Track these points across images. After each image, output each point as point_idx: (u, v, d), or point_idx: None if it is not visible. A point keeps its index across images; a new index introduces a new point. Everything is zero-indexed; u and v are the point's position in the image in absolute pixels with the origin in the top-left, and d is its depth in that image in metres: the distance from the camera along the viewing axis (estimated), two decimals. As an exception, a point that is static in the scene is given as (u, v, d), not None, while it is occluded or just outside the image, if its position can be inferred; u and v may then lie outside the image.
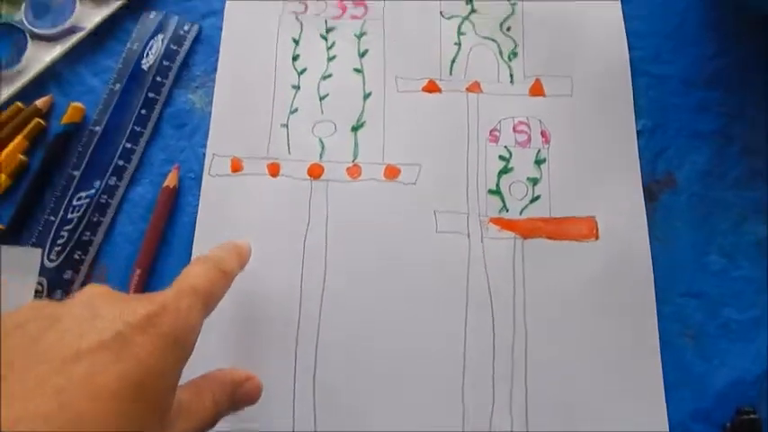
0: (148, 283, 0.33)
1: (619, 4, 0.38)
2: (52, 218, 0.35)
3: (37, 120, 0.36)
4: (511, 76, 0.37)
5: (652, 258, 0.32)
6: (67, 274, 0.34)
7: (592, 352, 0.31)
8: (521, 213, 0.33)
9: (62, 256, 0.34)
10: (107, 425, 0.16)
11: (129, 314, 0.19)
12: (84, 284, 0.34)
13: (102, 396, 0.16)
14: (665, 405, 0.30)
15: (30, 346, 0.17)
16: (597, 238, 0.33)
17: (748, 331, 0.31)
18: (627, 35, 0.37)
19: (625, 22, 0.37)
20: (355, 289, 0.32)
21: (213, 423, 0.22)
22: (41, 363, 0.16)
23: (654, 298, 0.31)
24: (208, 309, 0.23)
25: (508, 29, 0.38)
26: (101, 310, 0.19)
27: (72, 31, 0.38)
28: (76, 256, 0.34)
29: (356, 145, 0.35)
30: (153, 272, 0.34)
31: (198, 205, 0.35)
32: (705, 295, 0.32)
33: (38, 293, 0.34)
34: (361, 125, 0.36)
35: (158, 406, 0.18)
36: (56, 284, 0.34)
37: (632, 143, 0.34)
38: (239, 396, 0.24)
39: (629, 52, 0.36)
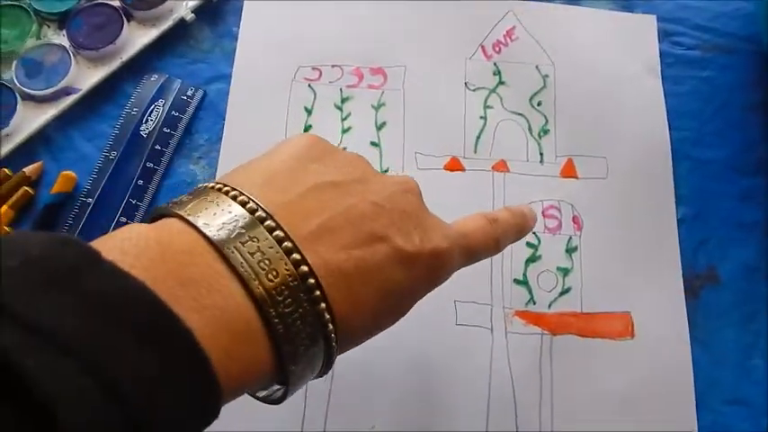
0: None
1: (659, 81, 0.46)
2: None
3: (25, 188, 0.44)
4: (541, 154, 0.44)
5: (692, 361, 0.38)
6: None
7: (627, 465, 0.37)
8: (549, 307, 0.40)
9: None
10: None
11: (429, 241, 0.27)
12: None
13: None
14: None
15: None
16: (632, 336, 0.39)
17: (800, 446, 0.37)
18: (667, 114, 0.45)
19: (665, 100, 0.46)
20: (365, 386, 0.39)
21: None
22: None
23: (694, 405, 0.37)
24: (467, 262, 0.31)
25: (539, 103, 0.46)
26: (422, 219, 0.28)
27: (66, 92, 0.47)
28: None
29: (371, 226, 0.43)
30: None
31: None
32: (750, 403, 0.38)
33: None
34: (377, 204, 0.43)
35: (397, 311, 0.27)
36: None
37: (672, 232, 0.42)
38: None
39: (670, 133, 0.44)
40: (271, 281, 0.21)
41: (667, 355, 0.39)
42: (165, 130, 0.46)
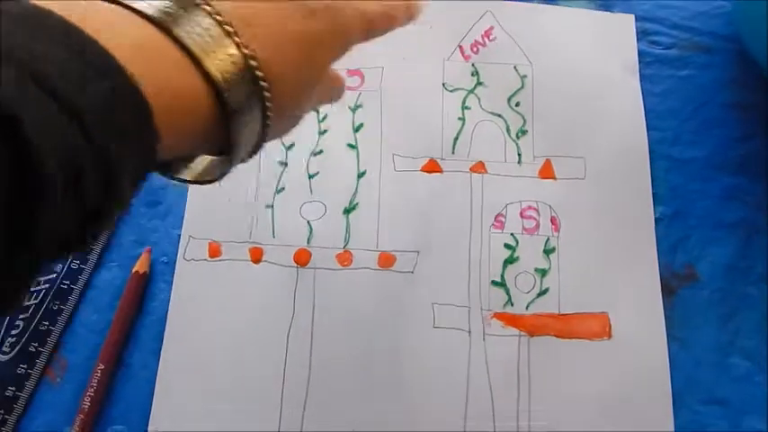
0: (113, 381, 0.41)
1: (637, 80, 0.47)
2: (8, 305, 0.43)
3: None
4: (519, 155, 0.45)
5: (669, 360, 0.39)
6: (21, 369, 0.41)
7: (605, 466, 0.38)
8: (527, 308, 0.41)
9: (16, 349, 0.42)
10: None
11: None
12: (40, 380, 0.41)
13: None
14: None
15: None
16: (610, 336, 0.40)
17: (779, 445, 0.38)
18: (645, 114, 0.46)
19: (644, 100, 0.46)
20: (342, 390, 0.39)
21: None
22: None
23: (671, 404, 0.38)
24: (365, 36, 0.32)
25: (517, 104, 0.47)
26: None
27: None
28: (32, 348, 0.42)
29: (348, 229, 0.44)
30: (119, 367, 0.41)
31: (171, 293, 0.42)
32: (727, 402, 0.38)
33: (-11, 389, 0.41)
34: (354, 207, 0.44)
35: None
36: (8, 380, 0.41)
37: (650, 232, 0.42)
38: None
39: (648, 133, 0.45)
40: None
41: (644, 354, 0.39)
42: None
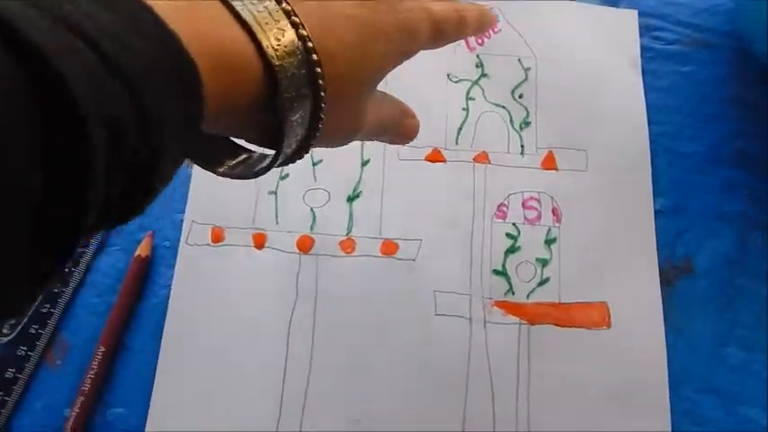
0: (114, 364, 0.42)
1: (640, 75, 0.49)
2: (10, 286, 0.44)
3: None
4: (522, 147, 0.47)
5: (667, 349, 0.41)
6: (21, 351, 0.42)
7: (603, 452, 0.39)
8: (528, 297, 0.43)
9: (16, 330, 0.43)
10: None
11: None
12: (40, 362, 0.42)
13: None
14: None
15: None
16: (609, 326, 0.42)
17: (773, 434, 0.40)
18: (647, 108, 0.47)
19: (646, 94, 0.48)
20: (344, 374, 0.41)
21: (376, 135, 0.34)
22: None
23: (667, 393, 0.40)
24: (433, 39, 0.32)
25: (520, 96, 0.48)
26: None
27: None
28: (32, 331, 0.43)
29: (351, 216, 0.45)
30: (119, 351, 0.42)
31: (173, 277, 0.44)
32: (723, 392, 0.40)
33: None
34: (358, 195, 0.46)
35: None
36: (8, 362, 0.42)
37: (649, 224, 0.44)
38: (402, 128, 0.36)
39: (649, 126, 0.47)
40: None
41: (642, 344, 0.41)
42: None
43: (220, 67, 0.22)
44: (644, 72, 0.49)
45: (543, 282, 0.43)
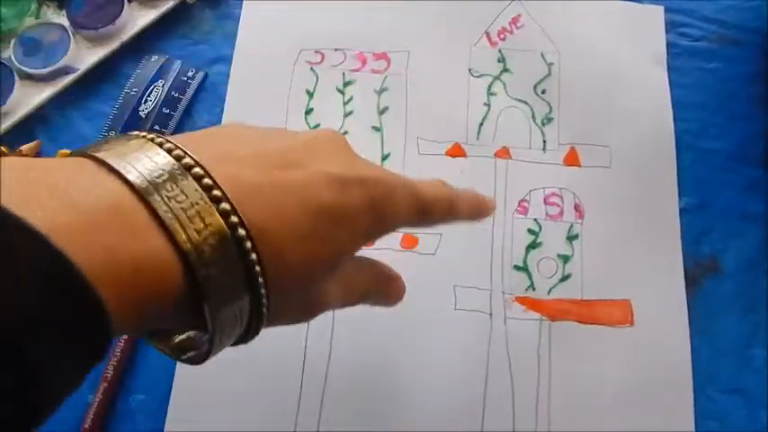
0: (136, 350, 0.42)
1: (665, 71, 0.48)
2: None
3: (21, 166, 0.46)
4: (544, 142, 0.47)
5: (691, 349, 0.40)
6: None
7: (624, 452, 0.39)
8: (549, 293, 0.42)
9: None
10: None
11: (362, 169, 0.27)
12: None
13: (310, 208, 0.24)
14: None
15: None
16: (632, 324, 0.41)
17: (799, 437, 0.39)
18: (672, 105, 0.47)
19: (671, 91, 0.48)
20: (363, 366, 0.41)
21: (352, 303, 0.31)
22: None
23: (691, 393, 0.40)
24: (420, 216, 0.29)
25: (543, 91, 0.48)
26: (351, 155, 0.28)
27: (64, 71, 0.49)
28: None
29: (371, 210, 0.45)
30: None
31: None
32: (747, 393, 0.40)
33: None
34: (378, 189, 0.46)
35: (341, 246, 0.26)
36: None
37: (674, 222, 0.44)
38: (385, 291, 0.33)
39: (674, 123, 0.46)
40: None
41: (666, 343, 0.41)
42: (164, 110, 0.48)
43: (132, 283, 0.19)
44: (669, 68, 0.48)
45: (565, 278, 0.43)
